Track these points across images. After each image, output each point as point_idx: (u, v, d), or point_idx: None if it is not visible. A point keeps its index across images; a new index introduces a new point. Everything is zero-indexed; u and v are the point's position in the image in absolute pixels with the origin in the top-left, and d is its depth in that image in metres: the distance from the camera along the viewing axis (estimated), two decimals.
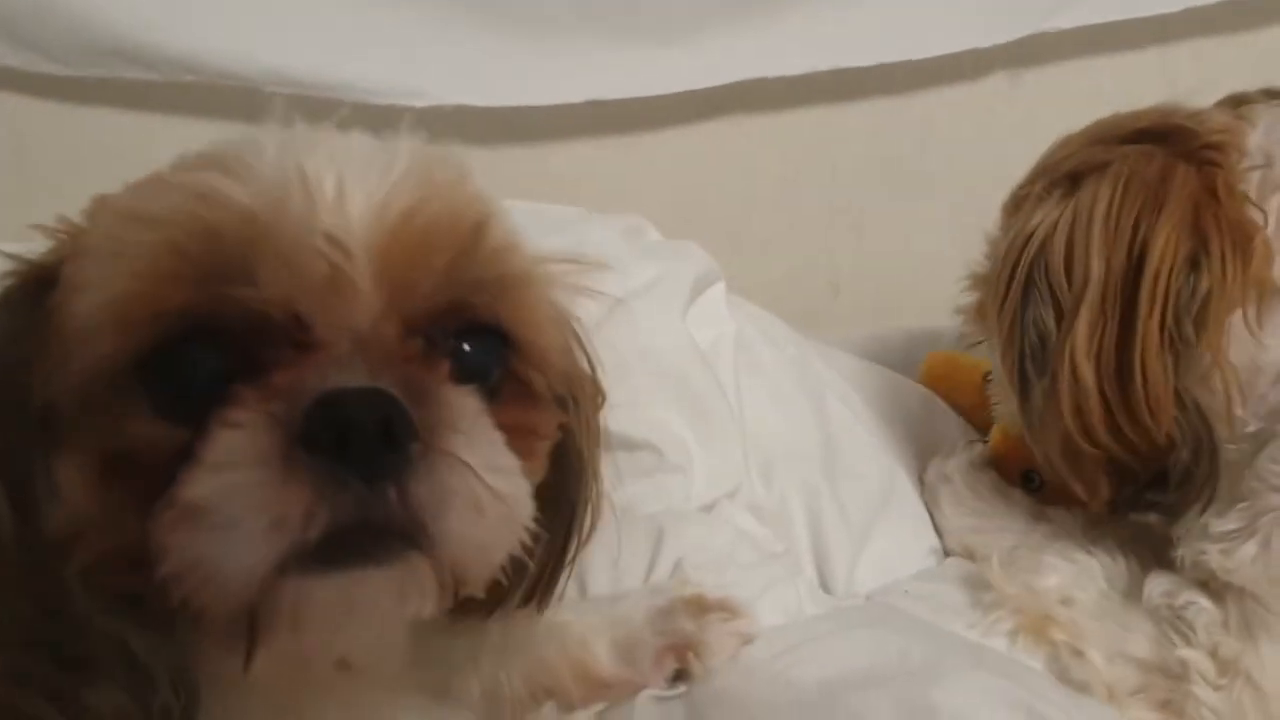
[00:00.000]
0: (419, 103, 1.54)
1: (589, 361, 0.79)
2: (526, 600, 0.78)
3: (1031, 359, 0.99)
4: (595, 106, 1.58)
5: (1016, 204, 1.06)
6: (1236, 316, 0.94)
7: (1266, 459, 0.94)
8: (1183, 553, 0.99)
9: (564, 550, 0.78)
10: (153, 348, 0.60)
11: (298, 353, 0.59)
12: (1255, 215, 0.95)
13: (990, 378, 1.18)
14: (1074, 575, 1.05)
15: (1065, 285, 0.97)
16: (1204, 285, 0.93)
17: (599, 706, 0.91)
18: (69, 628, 0.62)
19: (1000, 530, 1.13)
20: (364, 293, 0.60)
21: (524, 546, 0.65)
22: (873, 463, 1.21)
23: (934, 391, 1.35)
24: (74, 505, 0.61)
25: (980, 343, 1.15)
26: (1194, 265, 0.94)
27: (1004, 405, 1.13)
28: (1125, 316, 0.95)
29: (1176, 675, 0.96)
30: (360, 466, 0.56)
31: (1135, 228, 0.95)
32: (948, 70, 1.69)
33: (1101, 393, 0.96)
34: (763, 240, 1.66)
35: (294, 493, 0.56)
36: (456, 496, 0.58)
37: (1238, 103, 1.04)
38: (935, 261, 1.43)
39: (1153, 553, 1.07)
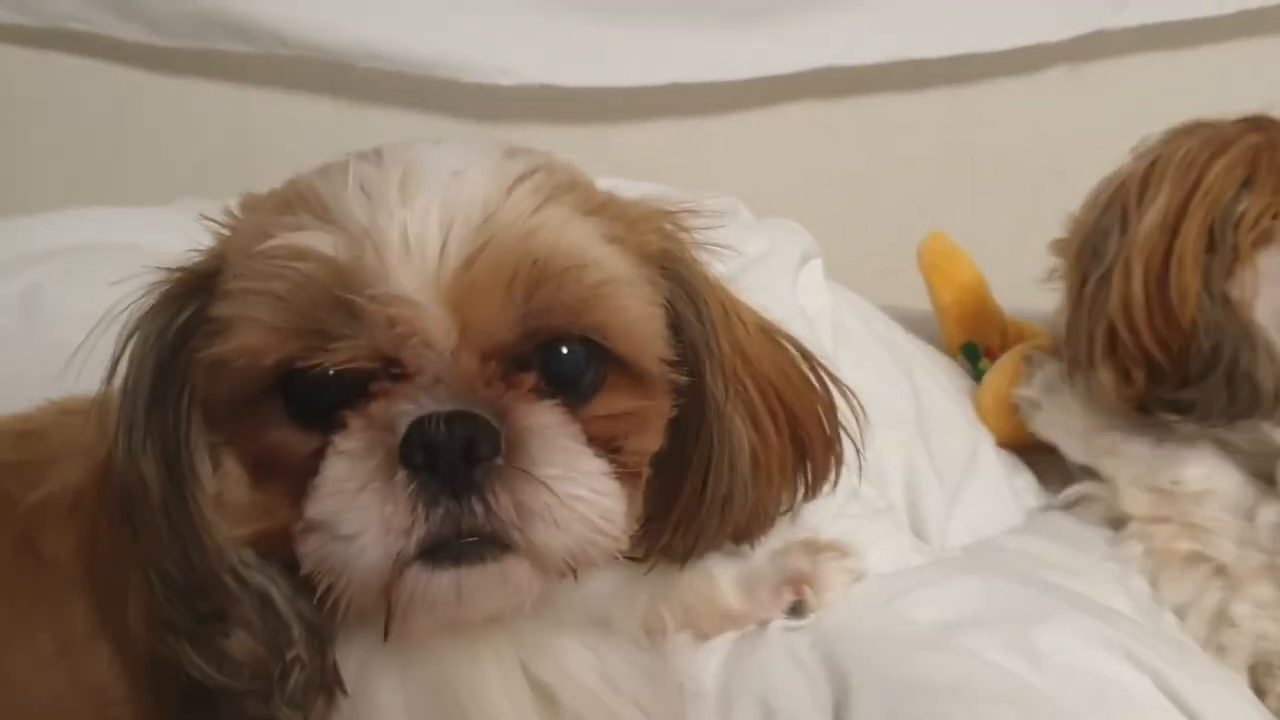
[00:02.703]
0: (505, 81, 1.60)
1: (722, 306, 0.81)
2: (686, 553, 0.84)
3: (1094, 253, 1.12)
4: (675, 89, 1.63)
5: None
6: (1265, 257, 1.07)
7: None
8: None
9: (702, 501, 0.80)
10: (279, 378, 0.69)
11: (393, 381, 0.68)
12: None
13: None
14: (1216, 468, 1.12)
15: (1135, 204, 1.10)
16: (1248, 198, 1.07)
17: (730, 635, 0.96)
18: (209, 583, 0.71)
19: (1134, 433, 1.16)
20: (436, 331, 0.67)
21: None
22: (959, 430, 1.26)
23: (926, 277, 1.43)
24: (234, 489, 0.72)
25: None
26: (1244, 184, 1.07)
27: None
28: (1177, 226, 1.08)
29: None
30: (447, 482, 0.66)
31: (1205, 165, 1.09)
32: (1012, 63, 1.74)
33: (1146, 284, 1.08)
34: (833, 224, 1.71)
35: (395, 508, 0.66)
36: (532, 508, 0.67)
37: None
38: (994, 249, 1.49)
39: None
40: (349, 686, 0.73)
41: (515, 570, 0.68)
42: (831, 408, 0.85)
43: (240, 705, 0.71)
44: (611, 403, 0.73)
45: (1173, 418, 1.10)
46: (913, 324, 1.47)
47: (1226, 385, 1.06)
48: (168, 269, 0.74)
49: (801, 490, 0.86)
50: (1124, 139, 1.65)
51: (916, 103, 1.75)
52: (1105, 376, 1.11)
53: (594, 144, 1.66)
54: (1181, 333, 1.07)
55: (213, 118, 1.66)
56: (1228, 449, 1.14)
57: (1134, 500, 1.13)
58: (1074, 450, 1.21)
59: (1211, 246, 1.07)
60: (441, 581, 0.67)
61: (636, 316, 0.73)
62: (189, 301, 0.73)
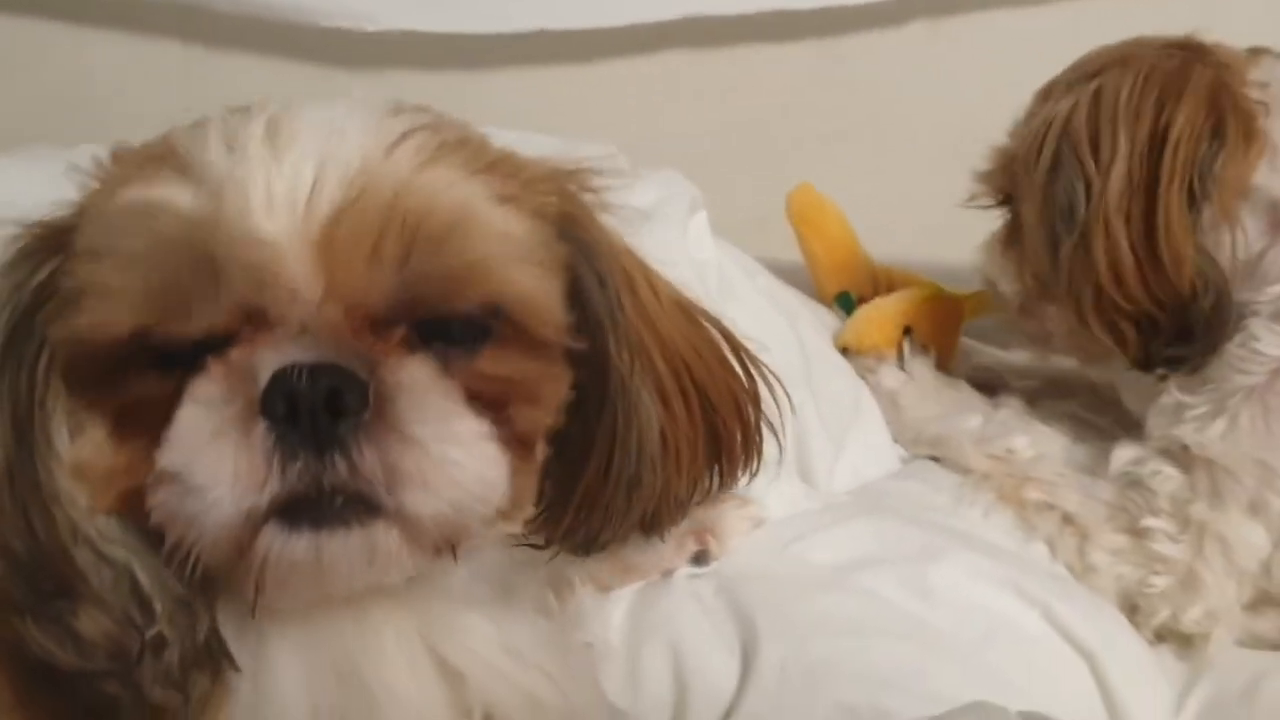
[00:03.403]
0: (369, 26, 1.55)
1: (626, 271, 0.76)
2: (589, 541, 0.76)
3: (1061, 221, 1.10)
4: (543, 36, 1.60)
5: (1046, 93, 1.18)
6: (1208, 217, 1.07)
7: (1235, 344, 1.08)
8: (1152, 426, 1.12)
9: (607, 482, 0.74)
10: (141, 331, 0.64)
11: (256, 330, 0.63)
12: (1259, 109, 1.08)
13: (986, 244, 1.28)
14: (1042, 435, 1.19)
15: (1091, 158, 1.08)
16: (1223, 152, 1.06)
17: (635, 586, 0.96)
18: (56, 558, 0.66)
19: (965, 414, 1.24)
20: (301, 282, 0.63)
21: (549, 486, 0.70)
22: (841, 379, 1.28)
23: (796, 229, 1.45)
24: (95, 455, 0.66)
25: (989, 206, 1.26)
26: (1215, 135, 1.06)
27: (992, 266, 1.26)
28: (1149, 182, 1.06)
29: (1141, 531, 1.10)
30: (308, 435, 0.61)
31: (1158, 108, 1.07)
32: (875, 16, 1.75)
33: (1133, 249, 1.07)
34: (700, 173, 1.71)
35: (249, 461, 0.61)
36: (402, 466, 0.62)
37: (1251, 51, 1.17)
38: (860, 197, 1.51)
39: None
40: (243, 663, 0.69)
41: (383, 538, 0.63)
42: (754, 396, 0.78)
43: (97, 687, 0.66)
44: (500, 362, 0.67)
45: (1164, 371, 1.11)
46: (783, 274, 1.48)
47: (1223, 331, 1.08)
48: (25, 224, 0.69)
49: (716, 480, 0.79)
50: (981, 90, 1.71)
51: (783, 54, 1.75)
52: (1106, 341, 1.11)
53: (459, 91, 1.61)
54: (1179, 293, 1.07)
55: (49, 61, 1.56)
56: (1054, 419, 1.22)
57: (979, 461, 1.19)
58: (906, 442, 1.27)
59: (1193, 203, 1.06)
60: (299, 545, 0.62)
61: (530, 287, 0.68)
62: (47, 259, 0.67)
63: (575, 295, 0.71)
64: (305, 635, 0.70)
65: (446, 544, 0.65)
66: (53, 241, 0.68)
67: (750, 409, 0.78)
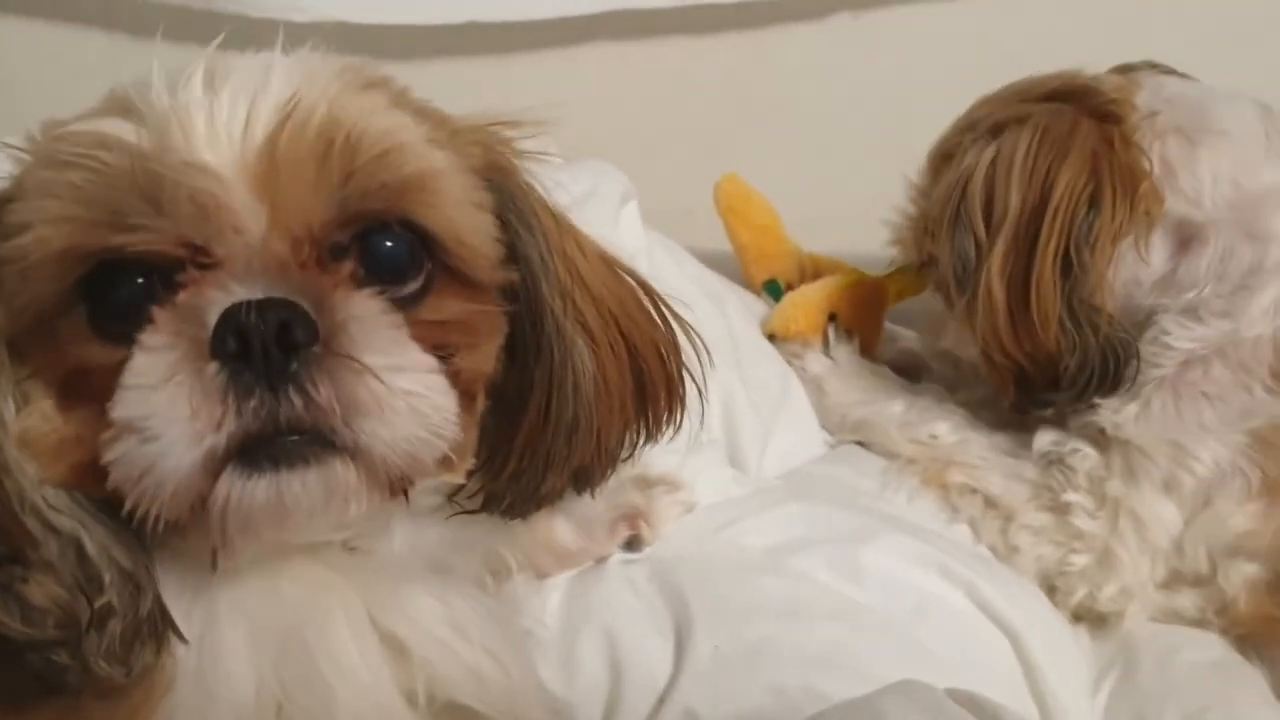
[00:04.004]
0: (297, 17, 1.53)
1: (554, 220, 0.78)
2: (527, 496, 0.78)
3: (957, 283, 1.16)
4: (472, 28, 1.60)
5: (945, 155, 1.22)
6: (1123, 244, 1.12)
7: (1147, 341, 1.13)
8: (1070, 414, 1.16)
9: (546, 426, 0.76)
10: (83, 280, 0.65)
11: (202, 273, 0.64)
12: (1144, 162, 1.12)
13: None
14: (963, 421, 1.23)
15: (982, 220, 1.14)
16: (1098, 220, 1.10)
17: (570, 572, 0.98)
18: (7, 525, 0.66)
19: (888, 399, 1.28)
20: (245, 213, 0.64)
21: (491, 434, 0.71)
22: (770, 364, 1.31)
23: (724, 219, 1.48)
24: (42, 426, 0.67)
25: (907, 267, 1.33)
26: (1092, 203, 1.10)
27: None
28: (1029, 245, 1.11)
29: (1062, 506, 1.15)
30: (261, 371, 0.61)
31: (1047, 172, 1.11)
32: (796, 9, 1.78)
33: (1009, 309, 1.12)
34: (627, 164, 1.72)
35: (203, 402, 0.61)
36: (357, 397, 0.62)
37: (1126, 70, 1.23)
38: (785, 186, 1.54)
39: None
40: (190, 635, 0.69)
41: (342, 474, 0.63)
42: (674, 346, 0.81)
43: (46, 657, 0.66)
44: (440, 308, 0.69)
45: (1041, 412, 1.17)
46: (711, 263, 1.50)
47: (1091, 384, 1.12)
48: None
49: (643, 431, 0.82)
50: (902, 80, 1.74)
51: (708, 47, 1.77)
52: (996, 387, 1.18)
53: None
54: (1045, 349, 1.11)
55: None
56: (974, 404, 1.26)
57: (903, 445, 1.23)
58: (831, 427, 1.31)
59: (1067, 269, 1.10)
60: (260, 488, 0.62)
61: (462, 213, 0.70)
62: None
63: (504, 245, 0.73)
64: (252, 609, 0.71)
65: (400, 482, 0.66)
66: None
67: (672, 360, 0.81)
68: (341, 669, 0.71)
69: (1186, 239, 1.14)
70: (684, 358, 0.82)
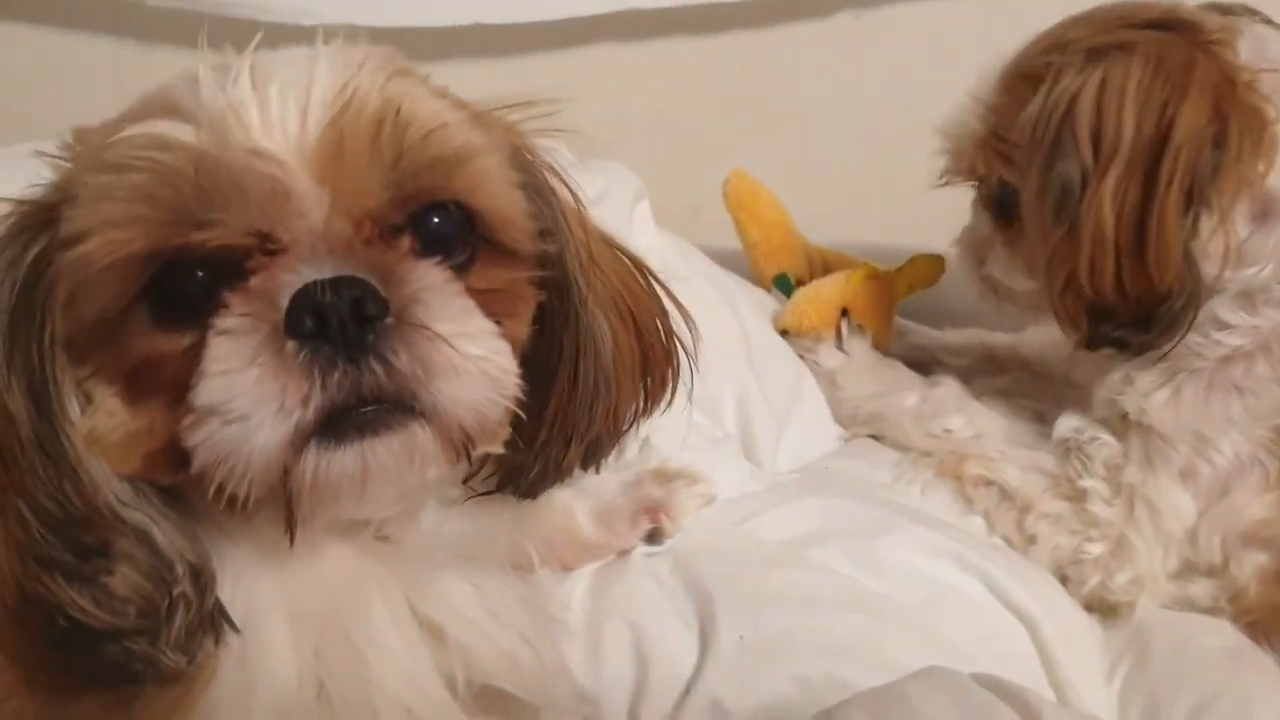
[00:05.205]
0: (307, 21, 1.54)
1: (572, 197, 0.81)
2: (541, 475, 0.81)
3: (1055, 209, 1.09)
4: (478, 30, 1.61)
5: (1026, 75, 1.14)
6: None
7: (1195, 327, 1.09)
8: (1098, 397, 1.16)
9: (574, 393, 0.79)
10: (147, 281, 0.66)
11: (270, 258, 0.66)
12: (1269, 109, 1.07)
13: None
14: (977, 413, 1.23)
15: (1091, 147, 1.07)
16: (1225, 159, 1.05)
17: (591, 566, 0.99)
18: (90, 516, 0.68)
19: (902, 393, 1.28)
20: (308, 198, 0.65)
21: (520, 404, 0.71)
22: (782, 361, 1.31)
23: (733, 215, 1.48)
24: (108, 423, 0.68)
25: (949, 183, 1.26)
26: (1216, 143, 1.05)
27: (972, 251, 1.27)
28: (1148, 179, 1.05)
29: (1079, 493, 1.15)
30: (340, 345, 0.63)
31: (1164, 105, 1.05)
32: (801, 8, 1.79)
33: (1118, 243, 1.06)
34: (635, 163, 1.73)
35: (288, 380, 0.63)
36: (433, 362, 0.65)
37: (1224, 11, 1.16)
38: (791, 183, 1.55)
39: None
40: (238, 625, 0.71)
41: (420, 439, 0.66)
42: (667, 318, 0.84)
43: (126, 646, 0.68)
44: (486, 277, 0.72)
45: (1108, 351, 1.13)
46: (720, 260, 1.51)
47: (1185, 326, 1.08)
48: (8, 203, 0.70)
49: (643, 404, 0.84)
50: (906, 77, 1.75)
51: (713, 46, 1.78)
52: (1060, 322, 1.13)
53: None
54: (1155, 290, 1.07)
55: None
56: (987, 396, 1.27)
57: (918, 438, 1.23)
58: (845, 421, 1.31)
59: (1189, 206, 1.05)
60: (347, 457, 0.64)
61: (503, 188, 0.73)
62: (38, 234, 0.68)
63: (532, 216, 0.75)
64: (292, 597, 0.72)
65: (466, 445, 0.68)
66: (41, 217, 0.69)
67: (664, 331, 0.83)
68: (383, 655, 0.73)
69: (1264, 211, 1.09)
70: (676, 331, 0.85)
